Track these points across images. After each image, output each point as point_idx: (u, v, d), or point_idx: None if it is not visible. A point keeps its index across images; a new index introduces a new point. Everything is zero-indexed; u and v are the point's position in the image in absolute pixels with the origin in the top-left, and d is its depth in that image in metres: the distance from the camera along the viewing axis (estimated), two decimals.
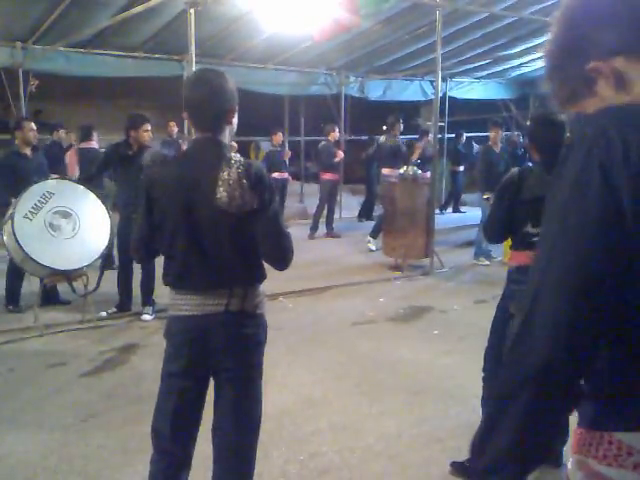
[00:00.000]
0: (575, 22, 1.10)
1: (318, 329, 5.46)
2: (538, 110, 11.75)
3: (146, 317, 5.61)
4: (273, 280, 6.79)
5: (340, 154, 9.91)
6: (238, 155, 2.20)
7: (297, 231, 10.20)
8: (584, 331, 0.94)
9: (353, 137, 13.31)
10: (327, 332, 5.37)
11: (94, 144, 7.83)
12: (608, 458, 1.00)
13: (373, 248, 8.73)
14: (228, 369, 2.24)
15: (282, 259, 2.25)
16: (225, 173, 2.11)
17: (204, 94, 2.16)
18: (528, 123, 11.51)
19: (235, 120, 2.27)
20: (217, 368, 2.24)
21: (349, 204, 12.18)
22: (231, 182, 2.10)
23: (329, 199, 9.93)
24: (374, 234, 8.80)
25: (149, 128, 5.53)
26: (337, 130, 10.07)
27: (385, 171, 8.96)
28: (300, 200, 13.15)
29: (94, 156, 7.09)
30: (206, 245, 2.15)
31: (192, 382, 2.24)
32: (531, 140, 3.08)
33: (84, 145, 7.86)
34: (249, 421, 2.30)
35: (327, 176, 9.88)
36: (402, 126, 9.10)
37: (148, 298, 5.66)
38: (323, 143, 10.08)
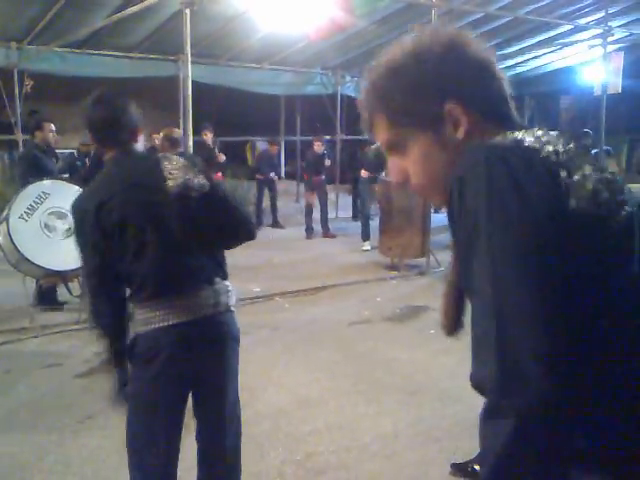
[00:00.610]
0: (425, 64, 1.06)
1: (314, 329, 5.46)
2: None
3: None
4: (269, 280, 6.77)
5: (327, 162, 10.17)
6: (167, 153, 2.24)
7: (293, 231, 10.22)
8: (567, 349, 0.87)
9: (349, 137, 13.31)
10: (324, 332, 5.36)
11: None
12: None
13: (368, 248, 8.75)
14: (215, 374, 2.19)
15: (249, 231, 2.29)
16: (168, 165, 2.11)
17: (111, 112, 2.17)
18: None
19: (141, 139, 2.26)
20: (203, 375, 2.16)
21: (345, 204, 12.17)
22: (179, 168, 2.10)
23: (320, 199, 10.02)
24: (365, 236, 8.87)
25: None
26: (319, 143, 10.20)
27: (364, 174, 9.06)
28: (296, 200, 13.15)
29: None
30: (180, 244, 2.08)
31: (182, 404, 2.15)
32: None
33: None
34: (235, 425, 2.30)
35: (309, 177, 10.16)
36: None
37: None
38: (309, 153, 10.33)
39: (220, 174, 9.02)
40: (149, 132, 8.56)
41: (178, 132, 6.47)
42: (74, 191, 5.44)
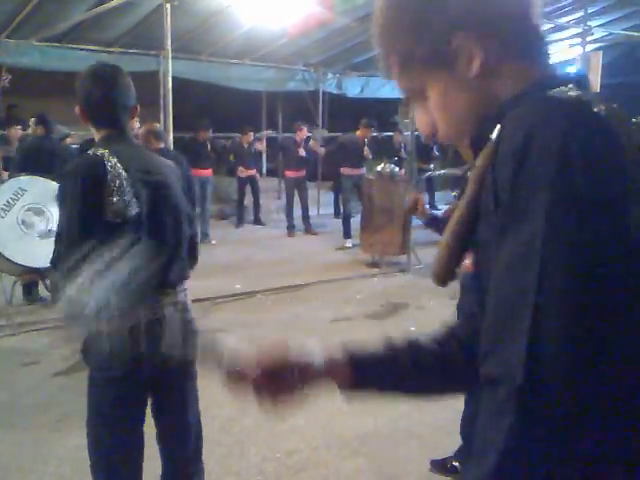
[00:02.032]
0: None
1: (296, 326, 5.45)
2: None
3: None
4: (251, 277, 6.73)
5: (301, 151, 9.82)
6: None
7: (275, 228, 10.20)
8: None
9: (331, 134, 13.31)
10: (305, 329, 5.36)
11: None
12: None
13: (350, 245, 8.76)
14: (175, 374, 2.19)
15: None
16: (164, 161, 2.15)
17: (110, 89, 2.05)
18: None
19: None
20: (164, 375, 2.15)
21: (327, 201, 12.17)
22: (171, 168, 2.14)
23: (300, 196, 9.90)
24: (346, 235, 8.86)
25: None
26: (304, 129, 9.97)
27: (346, 171, 9.04)
28: (278, 197, 13.12)
29: None
30: (172, 242, 2.14)
31: (145, 405, 2.15)
32: None
33: None
34: (196, 423, 2.30)
35: (290, 173, 9.86)
36: (371, 130, 9.17)
37: None
38: (286, 138, 10.06)
39: (211, 170, 9.09)
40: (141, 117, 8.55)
41: (159, 126, 6.44)
42: (52, 187, 5.38)
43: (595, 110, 0.80)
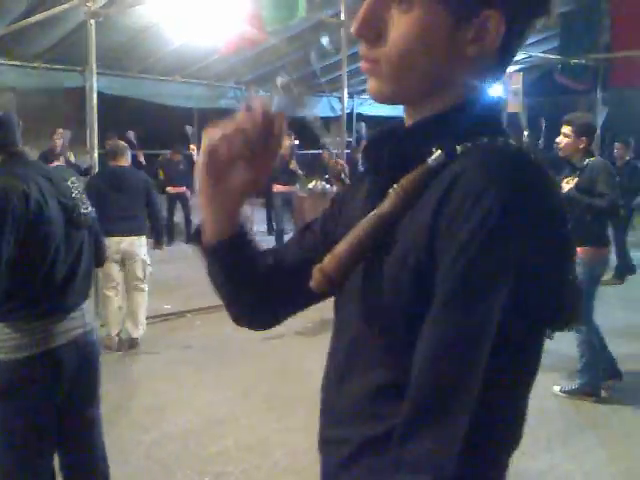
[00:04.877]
0: None
1: (227, 346, 5.39)
2: None
3: None
4: (180, 297, 6.65)
5: None
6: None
7: None
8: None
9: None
10: (236, 349, 5.31)
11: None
12: None
13: None
14: (86, 398, 2.13)
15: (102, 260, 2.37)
16: (72, 184, 2.10)
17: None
18: None
19: None
20: (74, 400, 2.08)
21: (260, 218, 12.14)
22: (79, 190, 2.10)
23: None
24: None
25: None
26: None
27: (278, 187, 9.12)
28: None
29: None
30: (73, 262, 2.05)
31: (55, 432, 2.04)
32: None
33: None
34: (104, 450, 2.24)
35: None
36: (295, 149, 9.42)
37: None
38: None
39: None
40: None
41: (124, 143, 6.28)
42: None
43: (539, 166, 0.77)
